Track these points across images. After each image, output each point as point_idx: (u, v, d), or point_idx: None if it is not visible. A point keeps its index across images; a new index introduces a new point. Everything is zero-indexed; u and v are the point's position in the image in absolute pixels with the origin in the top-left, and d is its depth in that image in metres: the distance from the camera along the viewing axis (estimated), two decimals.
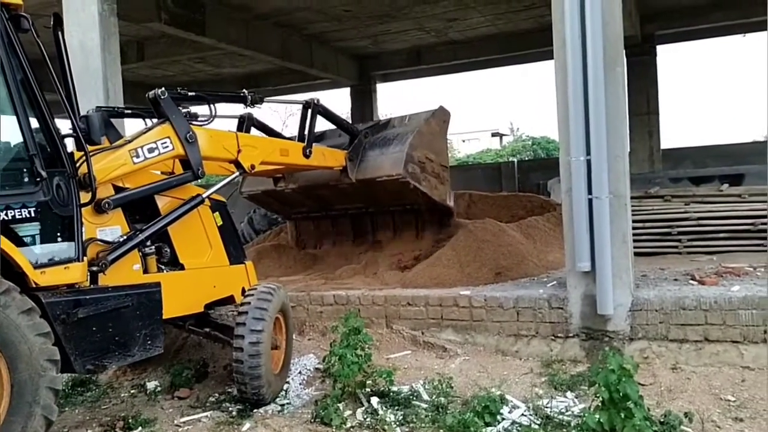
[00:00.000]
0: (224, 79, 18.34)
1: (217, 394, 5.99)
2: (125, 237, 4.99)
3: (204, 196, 5.66)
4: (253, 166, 6.09)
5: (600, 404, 4.56)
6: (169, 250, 5.43)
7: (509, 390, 5.53)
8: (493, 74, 51.16)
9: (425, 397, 5.47)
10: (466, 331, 6.66)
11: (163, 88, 5.48)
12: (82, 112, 5.11)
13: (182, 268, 5.52)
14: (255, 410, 5.51)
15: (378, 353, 6.35)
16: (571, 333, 6.27)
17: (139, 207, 5.33)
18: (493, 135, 47.70)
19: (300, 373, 6.30)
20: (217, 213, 5.95)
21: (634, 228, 6.87)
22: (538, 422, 4.91)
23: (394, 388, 5.54)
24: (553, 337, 6.35)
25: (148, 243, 5.20)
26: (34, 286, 4.16)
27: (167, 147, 5.35)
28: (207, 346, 6.97)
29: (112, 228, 4.99)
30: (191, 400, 5.91)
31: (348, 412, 5.26)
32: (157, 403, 5.95)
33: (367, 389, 5.51)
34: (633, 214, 8.74)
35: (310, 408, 5.48)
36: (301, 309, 7.36)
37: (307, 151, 6.93)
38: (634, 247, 6.70)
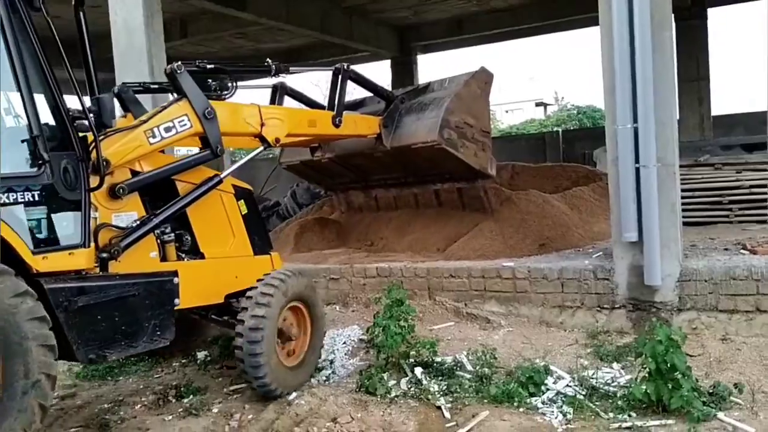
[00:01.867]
0: (265, 54, 18.31)
1: None
2: (138, 223, 4.78)
3: (223, 176, 5.36)
4: (278, 140, 5.78)
5: (647, 375, 4.52)
6: (189, 238, 5.26)
7: (554, 361, 5.51)
8: (537, 42, 50.16)
9: (469, 367, 5.50)
10: (509, 303, 6.64)
11: (179, 63, 5.14)
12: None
13: (203, 257, 5.31)
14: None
15: (421, 325, 6.38)
16: (617, 304, 6.19)
17: (159, 191, 5.10)
18: (537, 105, 46.84)
19: (344, 343, 6.39)
20: (242, 201, 5.69)
21: (683, 197, 6.73)
22: (583, 393, 4.89)
23: (438, 359, 5.58)
24: (598, 308, 6.28)
25: (167, 230, 5.04)
26: (35, 271, 4.01)
27: (185, 125, 5.06)
28: None
29: (129, 213, 4.79)
30: (239, 370, 6.05)
31: (392, 382, 5.32)
32: (207, 372, 6.12)
33: (411, 360, 5.57)
34: (682, 183, 8.53)
35: (354, 378, 5.56)
36: (344, 281, 7.44)
37: (337, 120, 6.56)
38: (684, 217, 6.56)
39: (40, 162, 4.11)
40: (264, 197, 13.14)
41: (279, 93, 6.56)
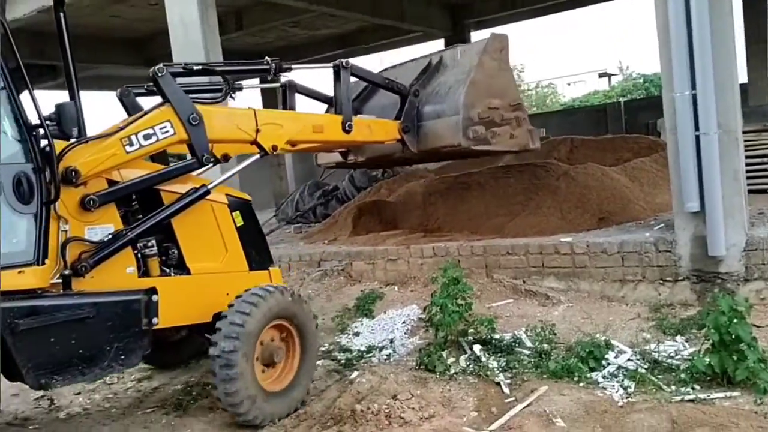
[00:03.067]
0: (320, 42, 18.56)
1: (326, 345, 6.29)
2: (110, 237, 4.44)
3: (210, 186, 4.92)
4: (275, 147, 5.26)
5: (710, 347, 4.43)
6: (176, 252, 4.88)
7: (615, 335, 5.45)
8: (597, 11, 48.51)
9: (528, 344, 5.50)
10: (568, 278, 6.58)
11: (161, 65, 4.74)
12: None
13: (188, 272, 4.90)
14: (363, 358, 5.76)
15: (479, 302, 6.41)
16: (680, 276, 6.05)
17: (141, 203, 4.84)
18: (601, 76, 45.45)
19: (404, 323, 6.49)
20: (237, 212, 5.24)
21: (750, 164, 6.50)
22: (645, 367, 4.83)
23: (496, 336, 5.60)
24: (661, 281, 6.15)
25: (150, 243, 4.66)
26: None
27: (167, 132, 4.65)
28: (316, 299, 7.31)
29: (104, 227, 4.46)
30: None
31: (451, 360, 5.38)
32: None
33: (469, 337, 5.61)
34: (749, 150, 8.21)
35: (414, 356, 5.65)
36: (401, 262, 7.52)
37: (347, 125, 5.86)
38: (751, 184, 6.34)
39: None
40: (323, 182, 13.34)
41: (288, 92, 5.98)
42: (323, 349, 6.21)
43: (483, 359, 5.31)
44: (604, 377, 4.78)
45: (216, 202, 5.08)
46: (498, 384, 4.90)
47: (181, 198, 4.80)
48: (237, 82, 5.34)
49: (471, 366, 5.26)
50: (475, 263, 7.03)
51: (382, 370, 5.40)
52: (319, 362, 5.85)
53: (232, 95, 5.34)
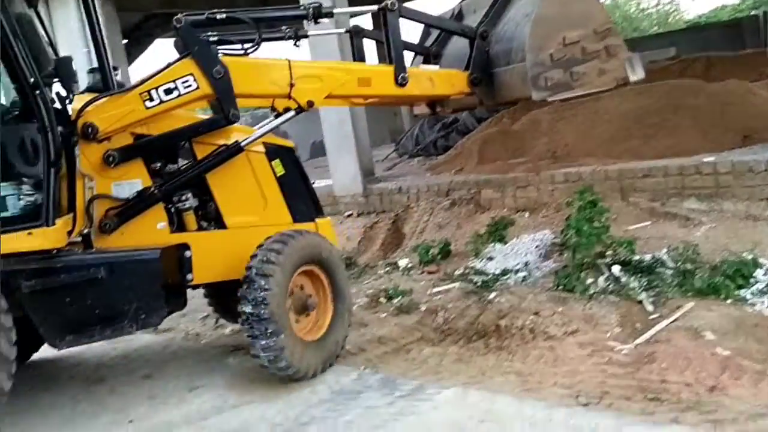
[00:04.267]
0: None
1: (462, 269, 6.51)
2: (136, 193, 4.39)
3: (244, 143, 4.64)
4: (311, 103, 4.70)
5: None
6: (212, 206, 4.71)
7: (762, 254, 5.27)
8: None
9: (670, 264, 5.44)
10: (710, 199, 6.38)
11: (179, 15, 4.40)
12: None
13: (224, 227, 4.72)
14: (499, 281, 5.94)
15: (615, 226, 6.34)
16: None
17: (173, 157, 4.71)
18: None
19: (537, 247, 6.56)
20: (278, 161, 4.93)
21: None
22: None
23: (636, 257, 5.57)
24: None
25: (184, 197, 4.55)
26: None
27: (189, 86, 4.35)
28: (447, 227, 7.52)
29: (132, 182, 4.39)
30: (440, 274, 6.51)
31: (589, 281, 5.44)
32: (410, 277, 6.66)
33: (607, 259, 5.62)
34: None
35: (550, 278, 5.74)
36: (531, 189, 7.55)
37: (399, 77, 4.95)
38: None
39: None
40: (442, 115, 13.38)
41: (355, 41, 5.29)
42: (458, 273, 6.45)
43: (623, 280, 5.32)
44: (752, 294, 4.69)
45: (252, 151, 4.78)
46: (640, 302, 4.91)
47: (209, 156, 4.62)
48: (300, 31, 4.91)
49: (611, 286, 5.28)
50: (609, 187, 6.93)
51: (519, 291, 5.54)
52: (455, 284, 6.11)
53: (296, 44, 4.91)
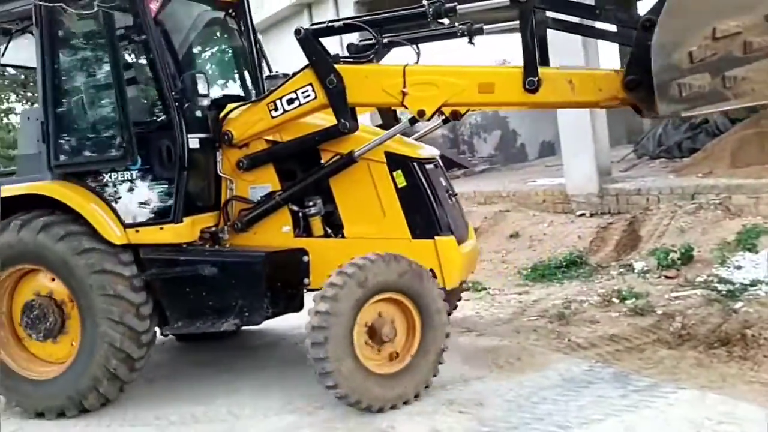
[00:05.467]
0: None
1: (704, 276, 6.21)
2: (263, 197, 4.72)
3: (357, 153, 4.52)
4: (422, 112, 4.34)
5: None
6: (336, 214, 4.76)
7: None
8: None
9: None
10: None
11: (298, 27, 4.49)
12: None
13: (343, 235, 4.72)
14: (747, 291, 5.57)
15: None
16: None
17: (301, 163, 4.80)
18: None
19: None
20: (399, 172, 4.61)
21: None
22: None
23: None
24: None
25: (312, 203, 4.69)
26: (126, 243, 4.52)
27: (308, 96, 4.45)
28: (690, 232, 7.17)
29: (264, 186, 4.74)
30: (680, 280, 6.27)
31: None
32: (645, 280, 6.50)
33: None
34: None
35: None
36: None
37: (528, 81, 4.11)
38: None
39: (124, 146, 4.47)
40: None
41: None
42: (700, 279, 6.15)
43: None
44: None
45: (372, 160, 4.61)
46: None
47: (326, 163, 4.67)
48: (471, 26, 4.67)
49: None
50: None
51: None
52: (696, 291, 5.85)
53: (471, 41, 4.68)
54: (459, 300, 6.04)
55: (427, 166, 4.76)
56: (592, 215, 8.88)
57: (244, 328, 5.38)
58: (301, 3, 13.69)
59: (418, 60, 4.65)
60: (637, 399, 3.95)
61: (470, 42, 4.74)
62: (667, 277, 6.43)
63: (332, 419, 4.17)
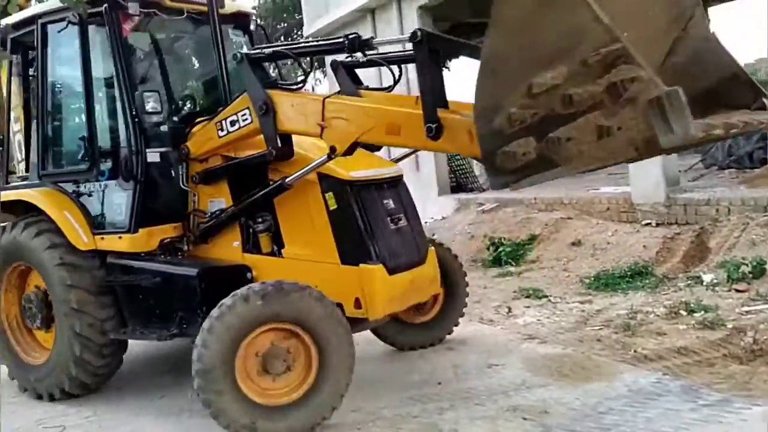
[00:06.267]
0: None
1: None
2: (214, 211, 4.87)
3: (289, 180, 4.43)
4: (334, 149, 4.12)
5: None
6: (277, 232, 4.72)
7: None
8: None
9: None
10: None
11: (236, 52, 4.69)
12: None
13: (281, 255, 4.67)
14: None
15: None
16: None
17: (249, 181, 4.76)
18: None
19: None
20: (331, 194, 4.42)
21: None
22: None
23: None
24: None
25: (261, 219, 4.69)
26: (93, 248, 4.93)
27: (246, 119, 4.49)
28: (762, 245, 6.94)
29: (219, 200, 4.88)
30: (751, 294, 6.08)
31: None
32: (714, 293, 6.31)
33: None
34: None
35: None
36: None
37: (427, 127, 3.63)
38: None
39: (88, 159, 4.92)
40: None
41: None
42: None
43: None
44: None
45: (308, 181, 4.46)
46: None
47: (267, 185, 4.62)
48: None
49: None
50: None
51: None
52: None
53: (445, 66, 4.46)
54: (456, 325, 5.81)
55: (367, 189, 4.51)
56: (658, 225, 8.67)
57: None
58: (364, 9, 13.84)
59: (395, 83, 4.60)
60: (708, 414, 3.86)
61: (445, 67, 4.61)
62: (738, 291, 6.24)
63: (396, 420, 4.22)
